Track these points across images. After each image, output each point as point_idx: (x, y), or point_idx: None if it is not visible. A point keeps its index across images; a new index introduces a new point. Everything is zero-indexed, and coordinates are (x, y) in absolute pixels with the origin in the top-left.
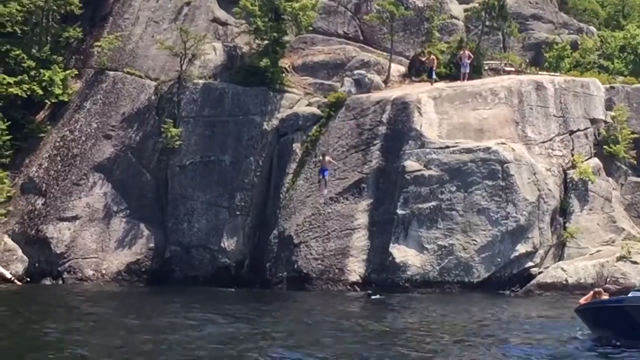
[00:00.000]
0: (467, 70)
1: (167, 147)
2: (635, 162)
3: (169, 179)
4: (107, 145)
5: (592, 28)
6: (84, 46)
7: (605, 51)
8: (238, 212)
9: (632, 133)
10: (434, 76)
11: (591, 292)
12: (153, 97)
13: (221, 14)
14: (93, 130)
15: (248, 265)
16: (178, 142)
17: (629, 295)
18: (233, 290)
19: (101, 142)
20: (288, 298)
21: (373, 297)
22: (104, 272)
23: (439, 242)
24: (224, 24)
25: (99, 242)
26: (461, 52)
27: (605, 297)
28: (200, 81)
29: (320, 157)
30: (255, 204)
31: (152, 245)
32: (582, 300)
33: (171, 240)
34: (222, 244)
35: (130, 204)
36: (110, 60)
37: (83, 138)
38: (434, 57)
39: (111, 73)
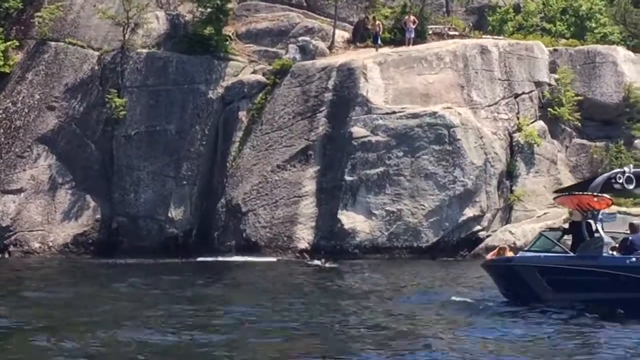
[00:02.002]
0: (412, 35)
1: (112, 118)
2: (579, 124)
3: (114, 149)
4: (50, 117)
5: None
6: (24, 16)
7: (547, 14)
8: (185, 182)
9: (576, 95)
10: (379, 42)
11: (496, 249)
12: (96, 68)
13: None
14: (36, 102)
15: (196, 235)
16: (122, 113)
17: (518, 255)
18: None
19: (44, 114)
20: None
21: (328, 265)
22: (50, 244)
23: (387, 208)
24: None
25: (44, 215)
26: (405, 17)
27: (510, 254)
28: (144, 50)
29: None
30: (201, 173)
31: (98, 216)
32: (489, 256)
33: (118, 211)
34: (169, 214)
35: (76, 175)
36: (51, 30)
37: (26, 110)
38: (379, 23)
39: (53, 44)
